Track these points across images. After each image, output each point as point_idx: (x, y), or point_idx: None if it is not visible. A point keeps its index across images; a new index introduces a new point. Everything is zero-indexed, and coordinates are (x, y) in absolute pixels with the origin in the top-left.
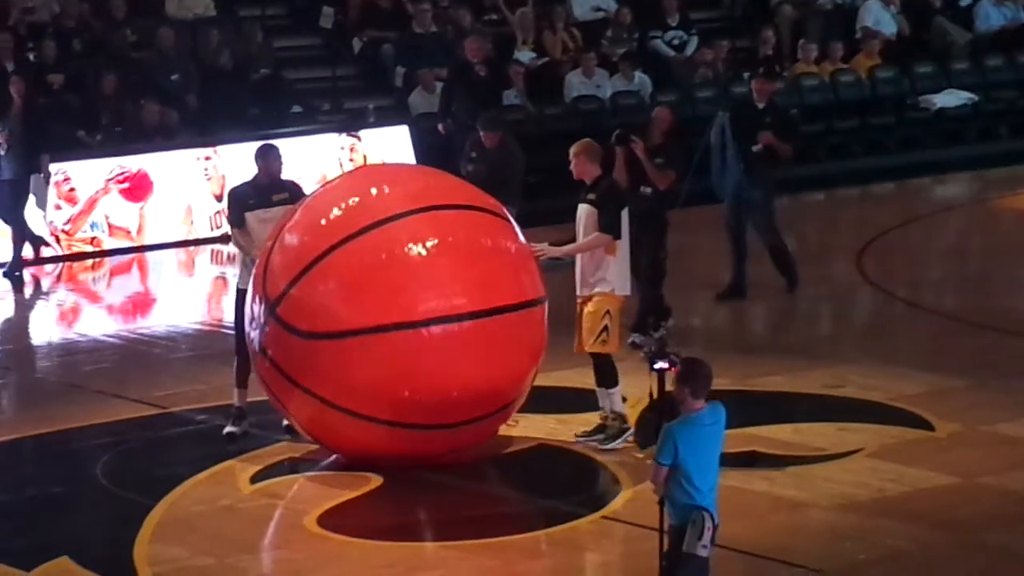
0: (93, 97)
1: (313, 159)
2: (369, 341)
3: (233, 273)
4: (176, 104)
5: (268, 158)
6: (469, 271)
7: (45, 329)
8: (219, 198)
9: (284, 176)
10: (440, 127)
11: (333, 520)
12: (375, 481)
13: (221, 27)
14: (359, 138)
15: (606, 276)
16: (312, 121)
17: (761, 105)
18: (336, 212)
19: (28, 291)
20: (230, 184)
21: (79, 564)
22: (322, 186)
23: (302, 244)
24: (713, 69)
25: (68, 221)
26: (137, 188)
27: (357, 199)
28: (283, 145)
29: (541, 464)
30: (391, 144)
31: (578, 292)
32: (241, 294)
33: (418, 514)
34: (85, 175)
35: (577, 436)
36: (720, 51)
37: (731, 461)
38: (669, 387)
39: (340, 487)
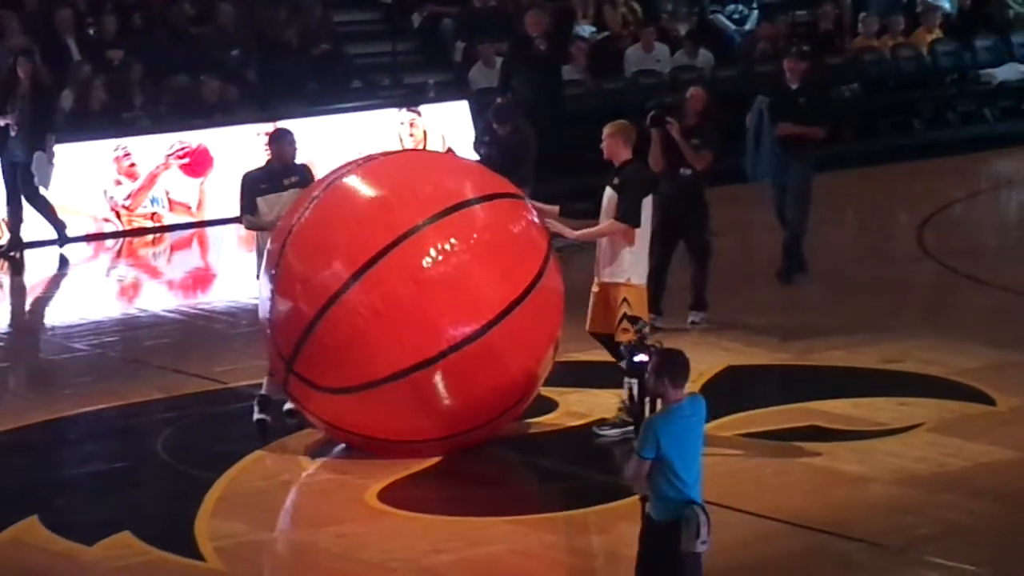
0: (154, 73)
1: (373, 134)
2: (401, 385)
3: None
4: (236, 79)
5: (282, 143)
6: (492, 273)
7: (106, 304)
8: None
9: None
10: (499, 101)
11: (394, 495)
12: (435, 456)
13: (281, 2)
14: (419, 113)
15: (622, 265)
16: (372, 96)
17: (795, 86)
18: (346, 235)
19: (86, 267)
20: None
21: (140, 539)
22: (331, 183)
23: (309, 288)
24: (773, 44)
25: (128, 196)
26: (197, 163)
27: (366, 215)
28: (344, 120)
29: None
30: (451, 119)
31: (596, 276)
32: None
33: (478, 489)
34: (145, 151)
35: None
36: (780, 25)
37: (791, 435)
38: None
39: (401, 462)
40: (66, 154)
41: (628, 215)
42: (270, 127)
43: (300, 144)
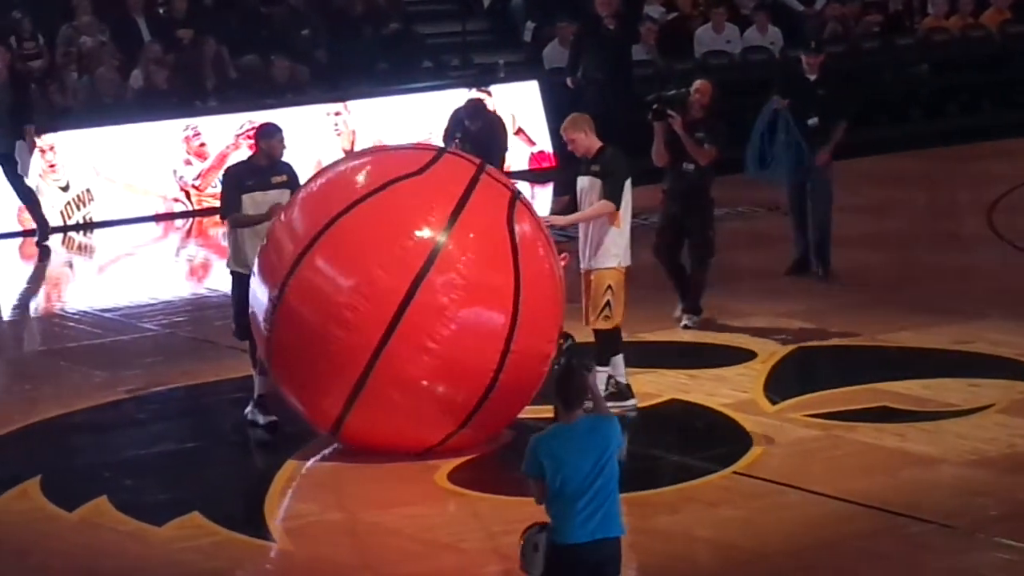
0: (224, 53)
1: (444, 114)
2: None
3: None
4: (306, 59)
5: (272, 139)
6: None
7: (176, 284)
8: (349, 153)
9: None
10: (569, 81)
11: (464, 475)
12: (506, 436)
13: None
14: (489, 93)
15: (610, 249)
16: (442, 76)
17: (813, 77)
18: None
19: (156, 247)
20: (361, 138)
21: (210, 519)
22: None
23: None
24: (843, 24)
25: (198, 176)
26: None
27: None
28: (414, 100)
29: (673, 420)
30: (521, 99)
31: (582, 265)
32: (237, 276)
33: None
34: (215, 130)
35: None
36: (850, 6)
37: (862, 416)
38: None
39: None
40: (135, 134)
41: (615, 196)
42: (340, 107)
43: (367, 124)
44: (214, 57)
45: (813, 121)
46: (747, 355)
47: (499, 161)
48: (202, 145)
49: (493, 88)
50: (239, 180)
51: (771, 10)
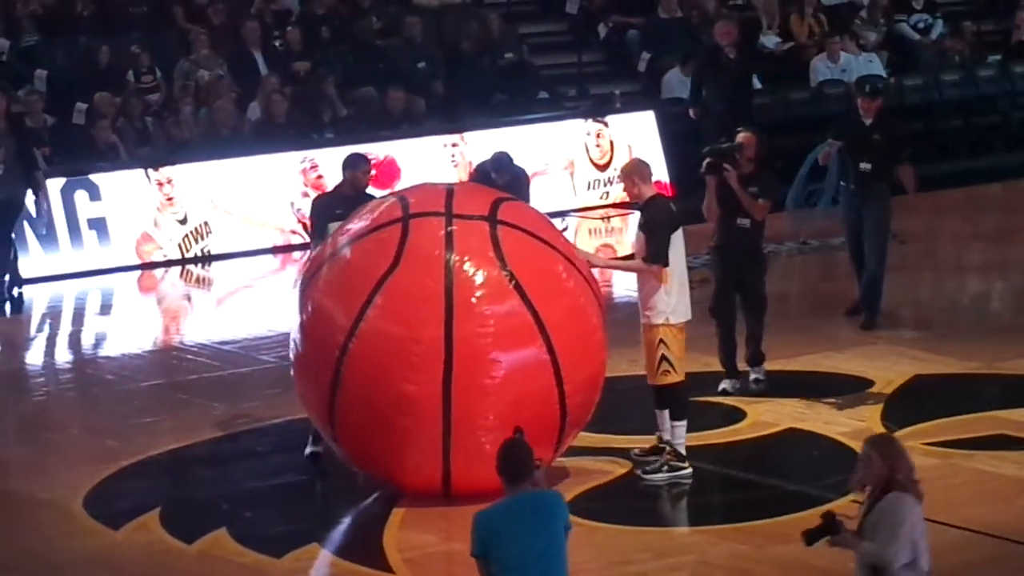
0: (341, 85)
1: (560, 145)
2: None
3: None
4: (422, 91)
5: (356, 169)
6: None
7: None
8: None
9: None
10: (691, 112)
11: (583, 505)
12: (623, 467)
13: (466, 14)
14: (606, 124)
15: (657, 305)
16: (558, 107)
17: (869, 121)
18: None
19: (273, 279)
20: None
21: (329, 551)
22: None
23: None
24: (959, 53)
25: None
26: (385, 175)
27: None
28: (530, 131)
29: (789, 448)
30: (638, 130)
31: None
32: None
33: (667, 499)
34: (333, 162)
35: (634, 453)
36: (966, 35)
37: (980, 444)
38: None
39: (589, 472)
40: (253, 166)
41: (656, 255)
42: (457, 138)
43: (483, 155)
44: (330, 89)
45: (865, 166)
46: (865, 384)
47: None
48: (319, 177)
49: (609, 119)
50: (328, 208)
51: (887, 39)
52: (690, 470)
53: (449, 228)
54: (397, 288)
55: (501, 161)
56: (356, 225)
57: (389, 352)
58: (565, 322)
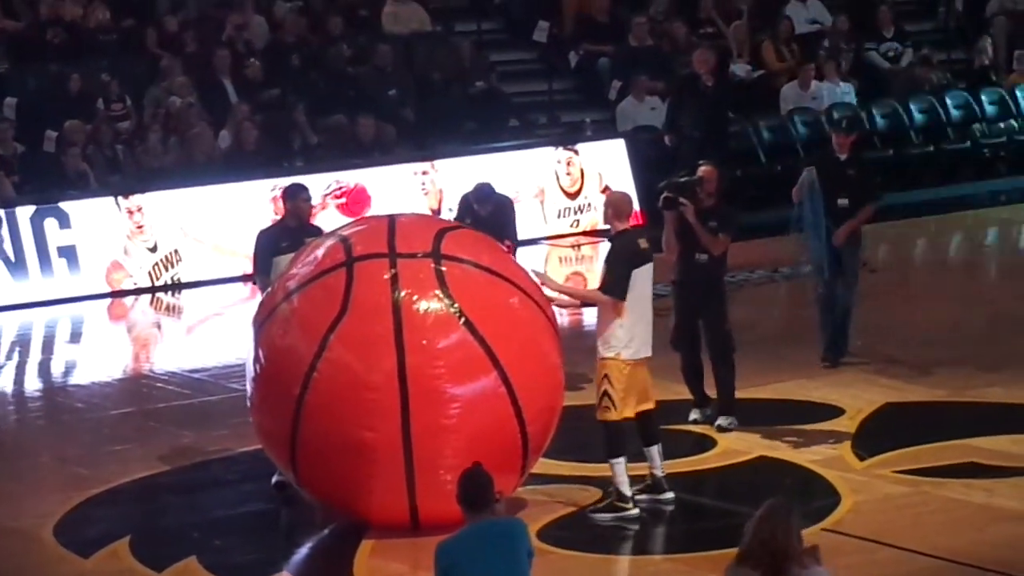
0: (311, 113)
1: (530, 173)
2: None
3: None
4: (393, 119)
5: (297, 199)
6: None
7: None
8: (437, 212)
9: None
10: (666, 139)
11: (553, 534)
12: (595, 493)
13: (437, 42)
14: (576, 152)
15: (610, 340)
16: (529, 135)
17: (843, 157)
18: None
19: (243, 307)
20: (448, 198)
21: None
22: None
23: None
24: (928, 81)
25: None
26: (355, 203)
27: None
28: (500, 159)
29: (760, 476)
30: (608, 158)
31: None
32: None
33: (640, 527)
34: None
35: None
36: (935, 63)
37: (950, 472)
38: None
39: (561, 500)
40: (223, 194)
41: (609, 287)
42: (427, 166)
43: (454, 183)
44: (300, 118)
45: (843, 202)
46: (835, 411)
47: (513, 230)
48: (281, 201)
49: (580, 146)
50: (272, 242)
51: (856, 67)
52: (635, 511)
53: (393, 270)
54: (347, 335)
55: (482, 191)
56: (301, 270)
57: (345, 400)
58: (518, 351)
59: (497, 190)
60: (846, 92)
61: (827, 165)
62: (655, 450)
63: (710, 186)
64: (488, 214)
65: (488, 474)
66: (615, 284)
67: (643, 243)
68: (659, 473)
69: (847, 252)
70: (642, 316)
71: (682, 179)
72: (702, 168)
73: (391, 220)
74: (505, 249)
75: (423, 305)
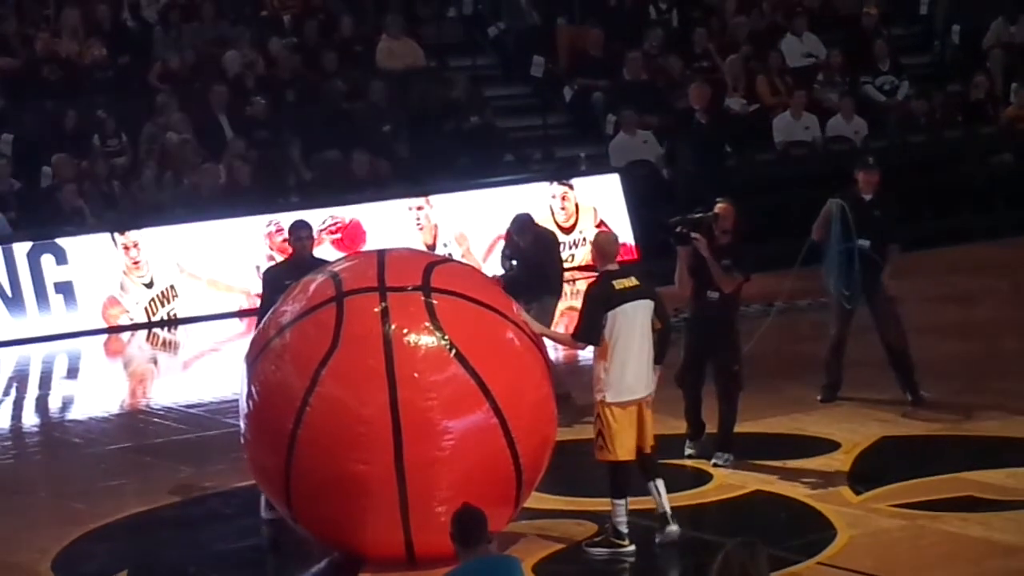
0: (306, 148)
1: (525, 208)
2: None
3: None
4: (387, 154)
5: (299, 235)
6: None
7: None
8: (432, 247)
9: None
10: (664, 173)
11: (550, 568)
12: (590, 528)
13: (431, 78)
14: (571, 186)
15: (596, 383)
16: (524, 170)
17: (868, 197)
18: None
19: (239, 342)
20: (443, 233)
21: None
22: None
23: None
24: (925, 114)
25: None
26: (350, 238)
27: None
28: (495, 194)
29: (756, 510)
30: (602, 192)
31: None
32: None
33: (633, 560)
34: None
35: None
36: (933, 96)
37: (946, 506)
38: None
39: (555, 535)
40: (218, 230)
41: (578, 332)
42: (422, 201)
43: (449, 218)
44: (295, 153)
45: (863, 243)
46: (831, 446)
47: (558, 282)
48: (285, 240)
49: (575, 181)
50: (278, 280)
51: (851, 101)
52: (632, 548)
53: (383, 304)
54: (339, 370)
55: (521, 222)
56: (292, 306)
57: (338, 435)
58: (510, 383)
59: (537, 222)
60: (856, 130)
61: (851, 204)
62: (621, 505)
63: (726, 223)
64: (528, 245)
65: (481, 511)
66: (583, 329)
67: (625, 283)
68: (660, 510)
69: (880, 297)
70: (631, 357)
71: (697, 215)
72: (719, 205)
73: (380, 254)
74: (516, 311)
75: (414, 338)
